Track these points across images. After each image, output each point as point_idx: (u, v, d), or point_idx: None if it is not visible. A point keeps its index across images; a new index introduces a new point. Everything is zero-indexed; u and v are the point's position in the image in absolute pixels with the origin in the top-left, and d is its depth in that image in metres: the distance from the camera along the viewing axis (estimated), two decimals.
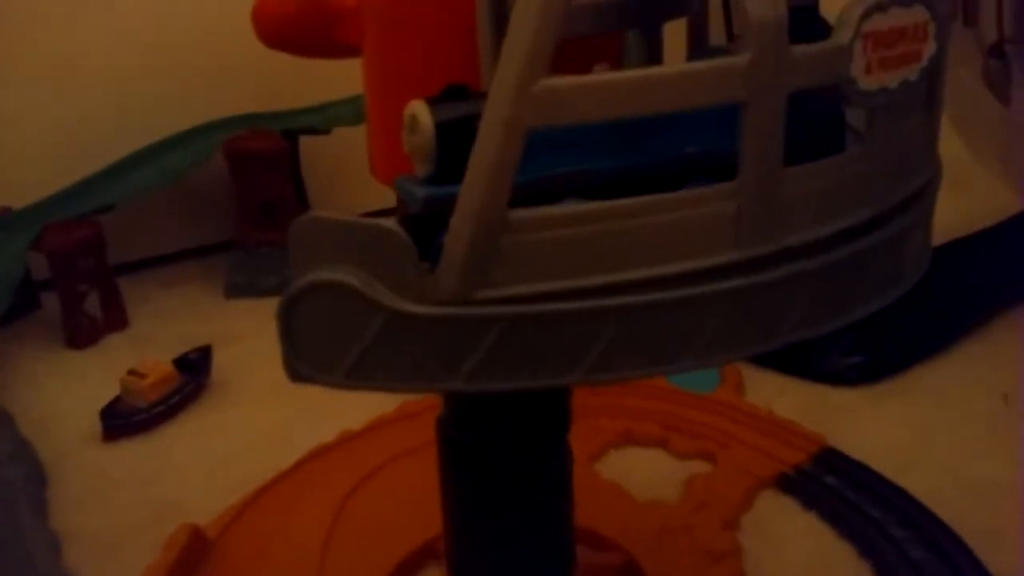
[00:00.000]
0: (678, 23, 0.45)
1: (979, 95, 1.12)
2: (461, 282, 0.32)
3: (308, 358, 0.34)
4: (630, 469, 0.71)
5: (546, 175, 0.35)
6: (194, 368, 0.85)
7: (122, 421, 0.79)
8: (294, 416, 0.77)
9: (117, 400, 0.81)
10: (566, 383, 0.34)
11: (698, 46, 0.44)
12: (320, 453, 0.73)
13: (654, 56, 0.45)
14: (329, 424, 0.75)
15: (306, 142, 1.09)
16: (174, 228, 1.10)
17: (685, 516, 0.65)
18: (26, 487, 0.71)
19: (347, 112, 1.04)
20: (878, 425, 0.76)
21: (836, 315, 0.37)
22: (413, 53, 0.45)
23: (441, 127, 0.34)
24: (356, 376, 0.34)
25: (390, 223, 0.32)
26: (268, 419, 0.80)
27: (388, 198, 0.37)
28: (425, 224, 0.34)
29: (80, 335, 0.94)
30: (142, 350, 0.91)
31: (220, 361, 0.87)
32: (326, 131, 1.06)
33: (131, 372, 0.82)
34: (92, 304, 0.95)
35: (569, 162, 0.36)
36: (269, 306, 0.33)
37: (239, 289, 1.02)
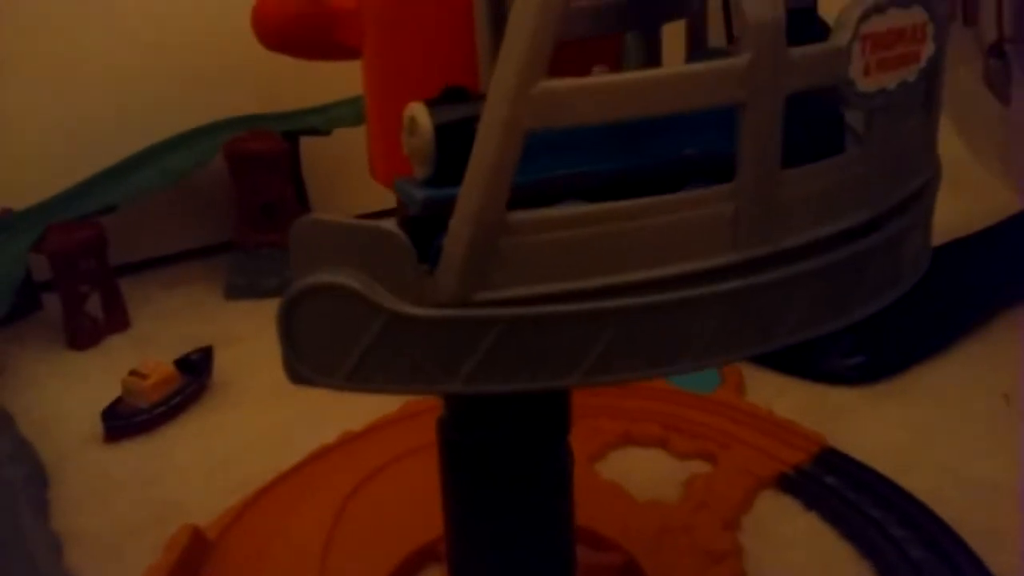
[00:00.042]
0: (677, 24, 0.45)
1: (979, 95, 1.12)
2: (460, 284, 0.32)
3: (308, 360, 0.34)
4: (630, 469, 0.71)
5: (545, 177, 0.35)
6: (195, 369, 0.85)
7: (123, 422, 0.79)
8: (295, 417, 0.77)
9: (118, 401, 0.81)
10: (565, 385, 0.34)
11: (697, 48, 0.44)
12: (321, 454, 0.73)
13: (653, 58, 0.45)
14: (330, 425, 0.75)
15: (307, 143, 1.09)
16: (175, 229, 1.10)
17: (685, 516, 0.65)
18: (27, 488, 0.71)
19: (348, 113, 1.04)
20: (878, 425, 0.76)
21: (835, 316, 0.37)
22: (412, 55, 0.45)
23: (440, 129, 0.34)
24: (356, 378, 0.34)
25: (389, 225, 0.32)
26: (269, 420, 0.80)
27: (389, 199, 0.37)
28: (424, 226, 0.34)
29: (81, 336, 0.94)
30: (143, 351, 0.91)
31: (221, 362, 0.87)
32: (327, 132, 1.06)
33: (132, 373, 0.82)
34: (93, 305, 0.95)
35: (568, 164, 0.36)
36: (270, 307, 0.33)
37: (239, 290, 1.02)
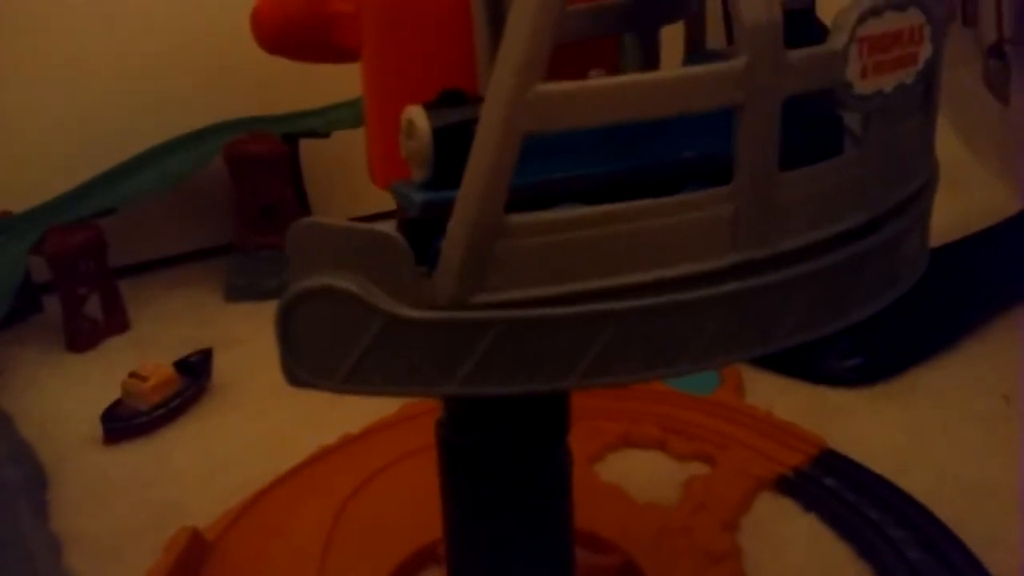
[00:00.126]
0: (675, 27, 0.45)
1: (978, 95, 1.12)
2: (458, 286, 0.32)
3: (306, 363, 0.34)
4: (629, 471, 0.71)
5: (543, 179, 0.35)
6: (195, 371, 0.85)
7: (123, 424, 0.79)
8: (294, 419, 0.78)
9: (118, 403, 0.81)
10: (563, 387, 0.34)
11: (695, 50, 0.44)
12: (320, 456, 0.73)
13: (651, 60, 0.45)
14: (329, 427, 0.75)
15: (306, 145, 1.09)
16: (175, 231, 1.10)
17: (684, 518, 0.65)
18: (26, 489, 0.71)
19: (347, 115, 1.04)
20: (877, 426, 0.76)
21: (833, 318, 0.37)
22: (411, 58, 0.45)
23: (438, 132, 0.34)
24: (354, 380, 0.34)
25: (387, 228, 0.32)
26: (268, 422, 0.80)
27: (389, 201, 0.37)
28: (422, 229, 0.34)
29: (81, 338, 0.94)
30: (143, 353, 0.91)
31: (221, 364, 0.87)
32: (326, 134, 1.06)
33: (132, 375, 0.82)
34: (93, 307, 0.95)
35: (566, 166, 0.36)
36: (269, 309, 0.34)
37: (239, 292, 1.02)
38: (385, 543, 0.63)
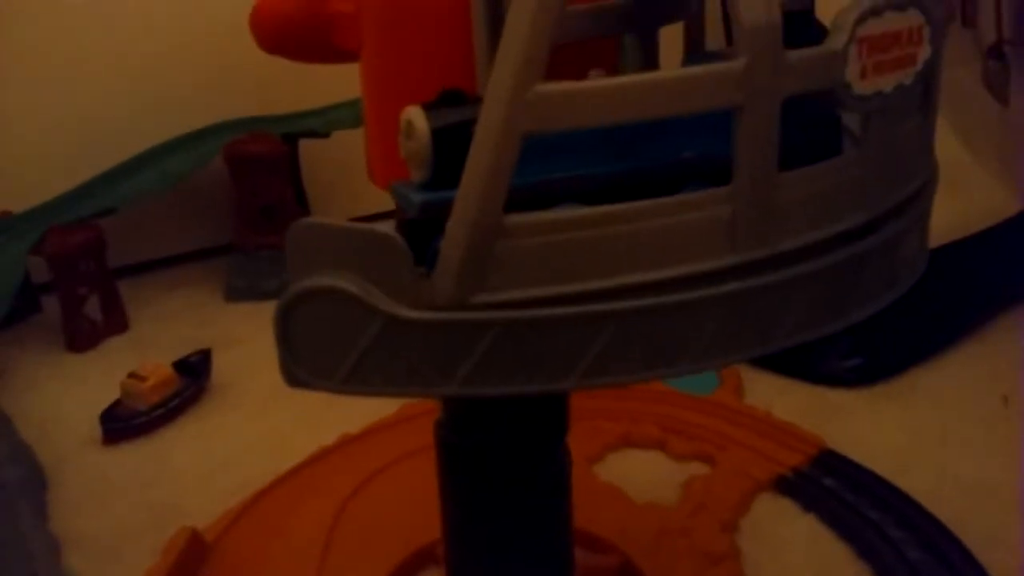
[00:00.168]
0: (675, 27, 0.45)
1: (978, 96, 1.12)
2: (457, 287, 0.32)
3: (305, 363, 0.34)
4: (629, 471, 0.71)
5: (542, 180, 0.35)
6: (194, 371, 0.85)
7: (122, 424, 0.79)
8: (294, 419, 0.78)
9: (117, 403, 0.81)
10: (562, 388, 0.34)
11: (694, 50, 0.44)
12: (319, 457, 0.73)
13: (650, 60, 0.45)
14: (328, 428, 0.75)
15: (306, 145, 1.09)
16: (175, 231, 1.10)
17: (683, 518, 0.65)
18: (26, 490, 0.71)
19: (347, 115, 1.04)
20: (876, 427, 0.76)
21: (832, 318, 0.37)
22: (410, 58, 0.45)
23: (437, 133, 0.34)
24: (353, 381, 0.34)
25: (386, 228, 0.32)
26: (268, 422, 0.80)
27: (389, 201, 0.37)
28: (422, 229, 0.34)
29: (80, 338, 0.94)
30: (142, 353, 0.91)
31: (220, 364, 0.87)
32: (326, 134, 1.06)
33: (131, 375, 0.82)
34: (92, 307, 0.95)
35: (565, 167, 0.36)
36: (269, 310, 0.34)
37: (239, 292, 1.02)
38: (384, 543, 0.63)
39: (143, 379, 0.81)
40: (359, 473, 0.70)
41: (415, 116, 0.34)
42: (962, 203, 1.02)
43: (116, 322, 0.97)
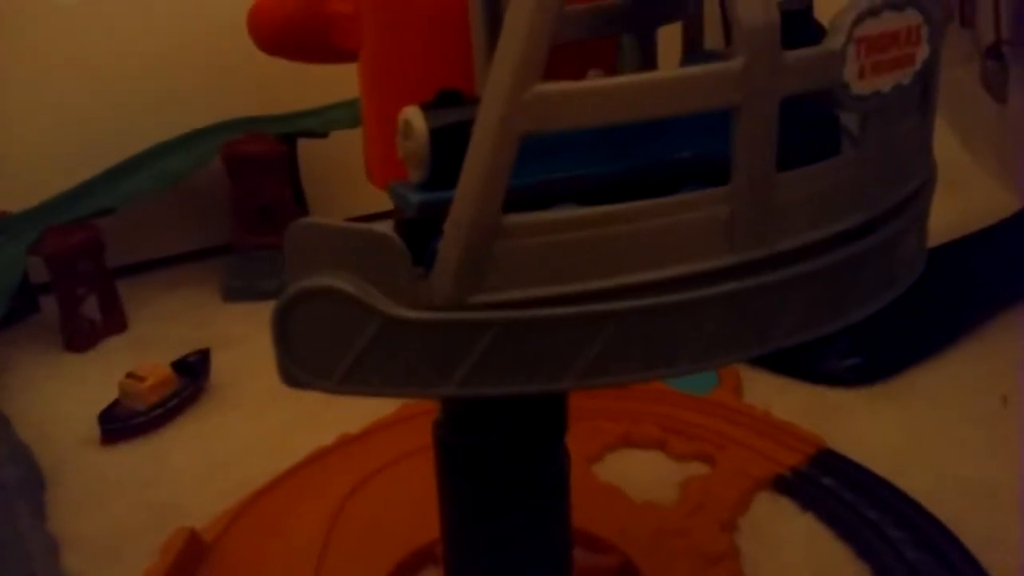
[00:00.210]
0: (673, 27, 0.45)
1: (976, 96, 1.12)
2: (455, 287, 0.32)
3: (303, 364, 0.34)
4: (628, 471, 0.71)
5: (540, 180, 0.35)
6: (193, 371, 0.85)
7: (120, 424, 0.79)
8: (292, 419, 0.77)
9: (115, 403, 0.81)
10: (560, 388, 0.34)
11: (693, 50, 0.44)
12: (318, 457, 0.73)
13: (648, 61, 0.45)
14: (327, 428, 0.75)
15: (304, 145, 1.09)
16: (173, 231, 1.10)
17: (682, 518, 0.65)
18: (24, 491, 0.71)
19: (345, 115, 1.04)
20: (875, 426, 0.76)
21: (831, 318, 0.37)
22: (408, 58, 0.45)
23: (435, 133, 0.34)
24: (351, 381, 0.34)
25: (384, 228, 0.32)
26: (266, 422, 0.80)
27: (387, 202, 0.37)
28: (420, 229, 0.34)
29: (78, 338, 0.94)
30: (141, 353, 0.91)
31: (219, 364, 0.87)
32: (324, 134, 1.06)
33: (129, 375, 0.82)
34: (90, 307, 0.95)
35: (563, 167, 0.36)
36: (267, 309, 0.34)
37: (237, 293, 1.02)
38: (383, 543, 0.63)
39: (141, 379, 0.81)
40: (357, 473, 0.70)
41: (413, 116, 0.34)
42: (961, 203, 1.02)
43: (114, 322, 0.97)
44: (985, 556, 0.60)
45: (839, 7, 0.33)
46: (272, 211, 1.04)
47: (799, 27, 0.35)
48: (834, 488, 0.67)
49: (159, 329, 0.98)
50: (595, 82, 0.32)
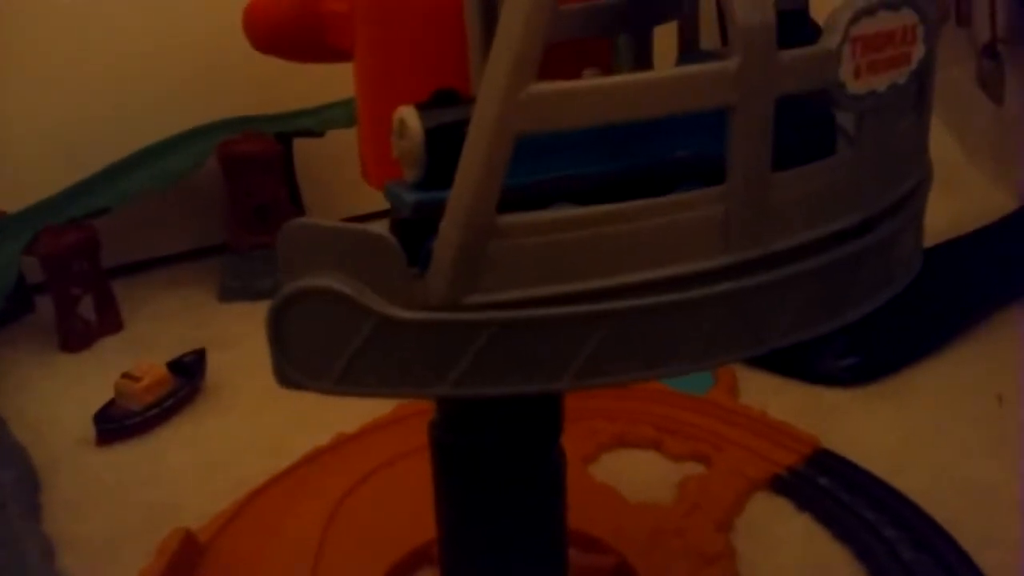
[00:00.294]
0: (669, 26, 0.45)
1: (972, 95, 1.12)
2: (450, 287, 0.32)
3: (298, 364, 0.34)
4: (624, 471, 0.71)
5: (535, 180, 0.35)
6: (188, 371, 0.85)
7: (116, 425, 0.79)
8: (288, 420, 0.77)
9: (111, 404, 0.81)
10: (556, 388, 0.34)
11: (688, 50, 0.44)
12: (314, 457, 0.73)
13: (644, 60, 0.45)
14: (323, 428, 0.75)
15: (300, 145, 1.09)
16: (169, 231, 1.10)
17: (678, 518, 0.65)
18: (19, 492, 0.71)
19: (341, 115, 1.04)
20: (871, 426, 0.76)
21: (828, 318, 0.37)
22: (403, 58, 0.45)
23: (430, 132, 0.34)
24: (346, 382, 0.34)
25: (379, 229, 0.32)
26: (262, 422, 0.80)
27: (383, 201, 0.37)
28: (415, 229, 0.34)
29: (74, 338, 0.94)
30: (136, 353, 0.90)
31: (215, 364, 0.87)
32: (320, 134, 1.06)
33: (125, 375, 0.82)
34: (86, 307, 0.95)
35: (558, 167, 0.36)
36: (263, 310, 0.33)
37: (233, 292, 1.02)
38: (379, 544, 0.63)
39: (137, 379, 0.81)
40: (354, 473, 0.70)
41: (408, 116, 0.34)
42: (957, 202, 1.02)
43: (110, 322, 0.97)
44: (982, 556, 0.60)
45: (835, 7, 0.33)
46: (268, 210, 1.03)
47: (795, 27, 0.35)
48: (831, 488, 0.67)
49: (155, 329, 0.97)
50: (591, 82, 0.32)
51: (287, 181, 1.07)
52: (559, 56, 0.35)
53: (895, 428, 0.75)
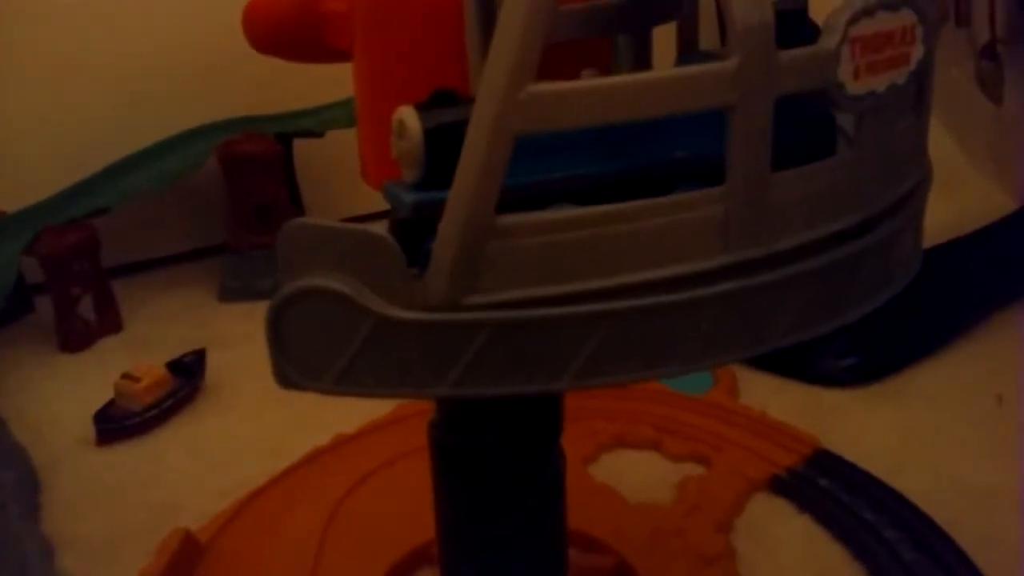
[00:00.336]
0: (668, 27, 0.45)
1: (971, 96, 1.12)
2: (449, 287, 0.32)
3: (297, 364, 0.34)
4: (623, 471, 0.71)
5: (534, 180, 0.35)
6: (188, 372, 0.85)
7: (115, 425, 0.79)
8: (288, 420, 0.77)
9: (111, 404, 0.81)
10: (555, 388, 0.34)
11: (688, 50, 0.44)
12: (314, 457, 0.73)
13: (643, 60, 0.45)
14: (323, 428, 0.75)
15: (300, 145, 1.09)
16: (169, 231, 1.10)
17: (678, 519, 0.65)
18: (18, 492, 0.71)
19: (341, 115, 1.04)
20: (871, 427, 0.76)
21: (827, 318, 0.37)
22: (403, 58, 0.44)
23: (429, 133, 0.34)
24: (345, 382, 0.34)
25: (378, 229, 0.32)
26: (262, 423, 0.80)
27: (383, 202, 0.37)
28: (414, 229, 0.34)
29: (73, 339, 0.94)
30: (136, 353, 0.91)
31: (214, 365, 0.87)
32: (320, 134, 1.06)
33: (125, 376, 0.82)
34: (86, 307, 0.95)
35: (558, 167, 0.36)
36: (263, 310, 0.33)
37: (233, 293, 1.02)
38: (379, 544, 0.63)
39: (137, 380, 0.81)
40: (353, 474, 0.70)
41: (407, 116, 0.34)
42: (956, 203, 1.02)
43: (110, 322, 0.97)
44: (982, 557, 0.60)
45: (834, 7, 0.33)
46: (268, 211, 1.03)
47: (794, 27, 0.35)
48: (830, 489, 0.67)
49: (155, 329, 0.97)
50: (590, 82, 0.32)
51: (287, 181, 1.07)
52: (558, 56, 0.35)
53: (895, 428, 0.75)
